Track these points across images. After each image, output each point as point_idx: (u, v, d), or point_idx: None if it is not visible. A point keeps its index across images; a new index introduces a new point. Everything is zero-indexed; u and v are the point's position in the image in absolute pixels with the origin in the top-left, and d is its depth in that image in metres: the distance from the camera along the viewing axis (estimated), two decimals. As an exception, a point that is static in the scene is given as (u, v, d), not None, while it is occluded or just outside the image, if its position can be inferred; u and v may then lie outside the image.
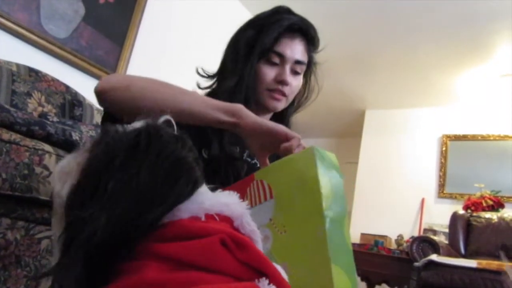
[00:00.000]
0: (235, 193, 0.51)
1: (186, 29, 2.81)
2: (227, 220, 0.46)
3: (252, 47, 0.92)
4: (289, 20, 0.94)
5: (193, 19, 2.85)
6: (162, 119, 0.52)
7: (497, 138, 4.16)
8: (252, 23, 0.97)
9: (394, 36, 3.43)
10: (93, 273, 0.40)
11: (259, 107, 0.96)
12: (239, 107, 0.74)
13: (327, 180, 0.61)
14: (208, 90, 1.01)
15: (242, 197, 0.72)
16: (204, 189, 0.49)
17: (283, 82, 0.93)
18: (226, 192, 0.50)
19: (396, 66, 3.92)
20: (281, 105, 0.97)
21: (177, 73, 2.85)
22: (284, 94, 0.95)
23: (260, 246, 0.49)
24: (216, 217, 0.45)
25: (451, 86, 4.10)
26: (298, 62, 0.95)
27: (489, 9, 2.85)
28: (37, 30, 1.90)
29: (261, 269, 0.41)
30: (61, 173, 0.47)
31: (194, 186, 0.46)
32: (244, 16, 3.29)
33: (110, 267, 0.41)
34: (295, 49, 0.94)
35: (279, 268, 0.45)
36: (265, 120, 0.73)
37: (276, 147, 0.73)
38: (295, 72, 0.96)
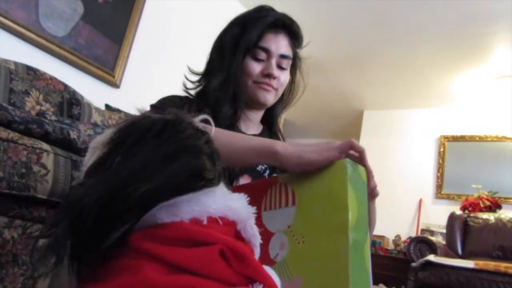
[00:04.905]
0: (245, 196, 0.50)
1: (185, 28, 2.80)
2: (230, 224, 0.46)
3: (238, 44, 0.95)
4: (272, 16, 0.96)
5: (192, 18, 2.85)
6: (200, 117, 0.53)
7: (494, 139, 4.18)
8: (236, 21, 0.99)
9: (393, 37, 3.44)
10: (82, 246, 0.40)
11: (250, 103, 0.99)
12: (272, 149, 0.66)
13: (356, 199, 0.58)
14: (196, 89, 1.03)
15: (262, 197, 0.69)
16: (215, 191, 0.48)
17: (270, 75, 0.95)
18: (236, 195, 0.50)
19: (394, 67, 3.92)
20: (270, 97, 0.99)
21: (175, 72, 2.84)
22: (272, 87, 0.97)
23: (258, 250, 0.49)
24: (220, 221, 0.45)
25: (449, 87, 4.12)
26: (283, 56, 0.97)
27: (486, 11, 2.86)
28: (35, 29, 1.90)
29: (258, 281, 0.41)
30: (92, 146, 0.50)
31: (196, 178, 0.45)
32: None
33: (102, 252, 0.40)
34: (279, 44, 0.96)
35: (277, 282, 0.45)
36: (306, 152, 0.64)
37: None
38: (281, 68, 0.98)
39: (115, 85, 2.32)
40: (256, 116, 1.05)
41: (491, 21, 2.97)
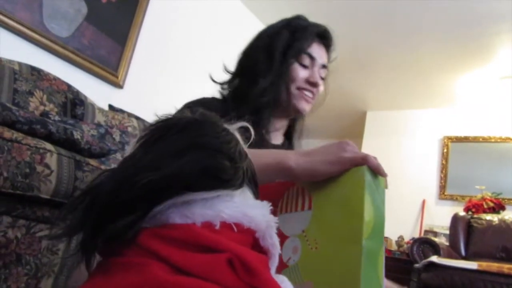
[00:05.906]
0: (267, 204, 0.48)
1: (188, 29, 2.81)
2: (246, 231, 0.44)
3: (288, 48, 0.96)
4: (318, 27, 0.99)
5: (195, 19, 2.85)
6: (238, 124, 0.53)
7: (498, 140, 4.16)
8: (283, 26, 0.99)
9: (396, 38, 3.43)
10: (95, 226, 0.42)
11: (286, 109, 0.99)
12: (285, 165, 0.65)
13: (372, 207, 0.56)
14: (227, 89, 1.01)
15: (278, 199, 0.68)
16: (234, 195, 0.46)
17: (315, 84, 0.98)
18: (257, 202, 0.48)
19: (397, 67, 3.92)
20: (308, 107, 1.00)
21: (179, 72, 2.85)
22: (313, 96, 0.99)
23: (276, 260, 0.47)
24: (234, 228, 0.43)
25: (452, 88, 4.10)
26: (324, 66, 1.00)
27: (490, 11, 2.85)
28: (39, 29, 1.91)
29: None
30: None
31: (208, 176, 0.43)
32: (245, 16, 3.30)
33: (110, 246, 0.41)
34: (323, 55, 0.99)
35: None
36: (318, 164, 0.63)
37: None
38: (321, 77, 1.00)
39: (119, 85, 2.33)
40: (284, 125, 1.05)
41: (494, 22, 2.96)
